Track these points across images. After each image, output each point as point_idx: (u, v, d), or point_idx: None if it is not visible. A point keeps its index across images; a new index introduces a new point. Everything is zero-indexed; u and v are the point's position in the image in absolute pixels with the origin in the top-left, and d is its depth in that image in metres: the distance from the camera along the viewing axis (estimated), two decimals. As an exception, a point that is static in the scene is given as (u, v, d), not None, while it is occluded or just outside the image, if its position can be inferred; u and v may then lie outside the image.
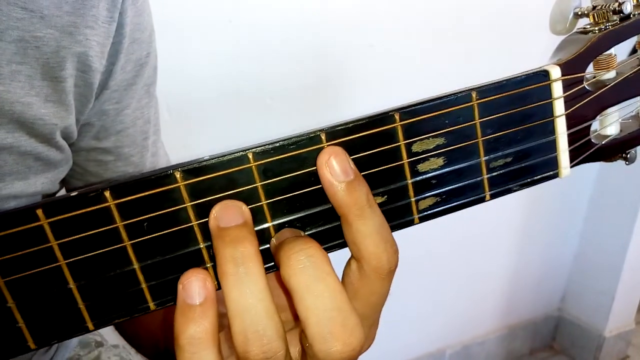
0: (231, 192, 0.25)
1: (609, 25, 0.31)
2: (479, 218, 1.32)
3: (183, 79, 0.85)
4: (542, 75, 0.29)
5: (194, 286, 0.24)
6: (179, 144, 0.88)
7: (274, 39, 0.92)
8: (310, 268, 0.24)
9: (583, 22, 0.33)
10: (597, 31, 0.31)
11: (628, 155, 0.34)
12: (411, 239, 1.18)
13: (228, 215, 0.25)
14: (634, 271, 1.49)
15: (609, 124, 0.32)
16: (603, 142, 0.32)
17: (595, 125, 0.33)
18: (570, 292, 1.63)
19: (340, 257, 0.28)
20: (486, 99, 0.28)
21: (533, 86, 0.28)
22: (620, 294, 1.50)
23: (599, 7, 0.31)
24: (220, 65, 0.89)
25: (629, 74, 0.31)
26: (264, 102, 0.96)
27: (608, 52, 0.31)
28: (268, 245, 0.27)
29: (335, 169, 0.25)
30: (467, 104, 0.27)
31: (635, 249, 1.44)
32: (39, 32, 0.36)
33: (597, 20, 0.31)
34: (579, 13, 0.32)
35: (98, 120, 0.45)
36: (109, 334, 0.59)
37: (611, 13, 0.31)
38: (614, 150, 0.33)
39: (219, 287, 0.25)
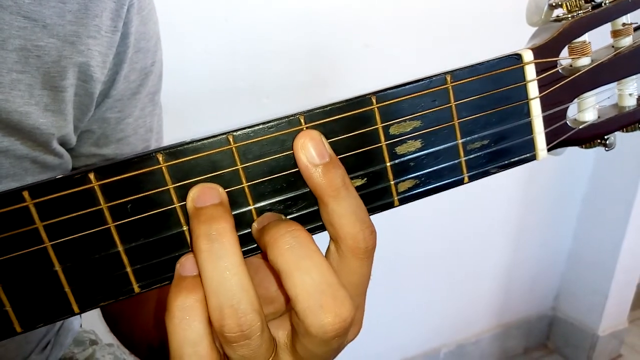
0: (213, 174, 0.26)
1: (580, 13, 0.31)
2: (473, 217, 1.33)
3: (179, 78, 0.85)
4: (515, 58, 0.29)
5: (190, 262, 0.25)
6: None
7: (270, 38, 0.92)
8: (297, 247, 0.25)
9: (558, 14, 0.34)
10: (570, 19, 0.32)
11: (607, 142, 0.34)
12: (406, 239, 1.19)
13: (205, 196, 0.25)
14: (627, 270, 1.49)
15: (586, 109, 0.33)
16: (580, 127, 0.33)
17: (573, 111, 0.33)
18: (564, 291, 1.63)
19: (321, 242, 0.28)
20: (460, 82, 0.28)
21: (506, 69, 0.29)
22: (614, 293, 1.50)
23: (572, -4, 0.32)
24: (216, 64, 0.90)
25: (603, 60, 0.32)
26: (260, 101, 0.96)
27: (582, 39, 0.32)
28: (250, 230, 0.27)
29: (311, 152, 0.26)
30: (441, 87, 0.28)
31: (628, 247, 1.45)
32: (40, 42, 0.35)
33: (570, 9, 0.32)
34: (554, 4, 0.33)
35: (99, 128, 0.44)
36: (103, 333, 0.59)
37: (583, 1, 0.32)
38: (592, 135, 0.34)
39: None
